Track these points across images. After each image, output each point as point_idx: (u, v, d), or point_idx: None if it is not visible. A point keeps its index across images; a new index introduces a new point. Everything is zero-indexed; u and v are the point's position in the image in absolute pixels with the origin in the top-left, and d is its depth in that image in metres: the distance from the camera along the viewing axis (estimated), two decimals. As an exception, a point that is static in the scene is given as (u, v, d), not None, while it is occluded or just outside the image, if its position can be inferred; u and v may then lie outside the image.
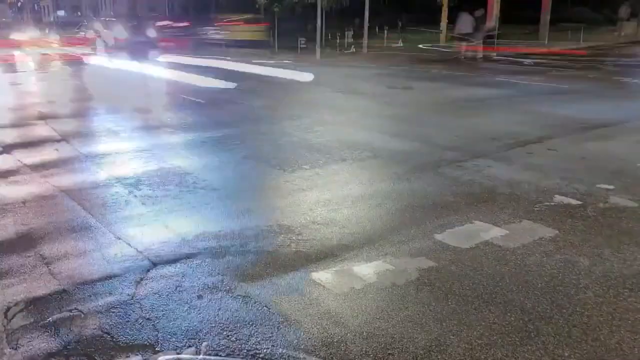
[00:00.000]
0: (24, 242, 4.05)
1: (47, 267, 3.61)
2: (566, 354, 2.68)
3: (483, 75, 15.50)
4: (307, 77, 14.62)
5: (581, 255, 3.79)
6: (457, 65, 18.36)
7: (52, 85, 14.37)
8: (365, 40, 24.40)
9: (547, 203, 4.84)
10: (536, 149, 6.83)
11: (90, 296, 3.23)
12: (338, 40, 26.05)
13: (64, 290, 3.30)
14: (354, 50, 24.93)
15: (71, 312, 3.06)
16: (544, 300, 3.19)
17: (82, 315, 3.02)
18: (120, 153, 6.77)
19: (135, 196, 5.05)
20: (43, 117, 9.23)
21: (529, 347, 2.74)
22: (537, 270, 3.56)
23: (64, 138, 7.61)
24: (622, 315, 3.03)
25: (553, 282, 3.40)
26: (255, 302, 3.17)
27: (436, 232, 4.19)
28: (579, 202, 4.85)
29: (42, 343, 2.78)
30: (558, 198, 4.97)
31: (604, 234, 4.15)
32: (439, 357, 2.67)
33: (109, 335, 2.84)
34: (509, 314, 3.04)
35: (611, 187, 5.27)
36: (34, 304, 3.15)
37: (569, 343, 2.77)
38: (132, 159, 6.45)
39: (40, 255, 3.81)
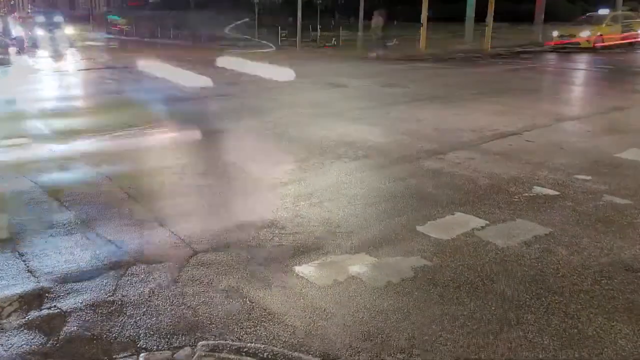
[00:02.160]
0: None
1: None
2: (545, 342, 2.73)
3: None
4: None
5: (560, 244, 3.86)
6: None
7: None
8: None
9: (526, 194, 4.91)
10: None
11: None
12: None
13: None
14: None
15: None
16: (524, 289, 3.24)
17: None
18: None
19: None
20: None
21: (510, 335, 2.78)
22: (517, 259, 3.61)
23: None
24: (600, 302, 3.09)
25: (532, 271, 3.46)
26: (238, 297, 3.16)
27: (418, 224, 4.22)
28: (557, 193, 4.93)
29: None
30: (537, 189, 5.04)
31: (582, 223, 4.23)
32: (422, 346, 2.69)
33: (89, 332, 2.82)
34: (489, 303, 3.08)
35: (588, 177, 5.37)
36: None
37: (548, 331, 2.82)
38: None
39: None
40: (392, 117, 8.61)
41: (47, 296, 3.17)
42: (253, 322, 2.90)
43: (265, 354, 2.64)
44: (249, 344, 2.71)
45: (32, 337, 2.78)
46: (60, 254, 3.72)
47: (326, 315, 2.97)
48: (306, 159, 6.11)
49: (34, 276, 3.41)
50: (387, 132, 7.48)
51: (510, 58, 18.76)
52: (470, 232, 4.06)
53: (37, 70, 15.84)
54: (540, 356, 2.62)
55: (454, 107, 9.42)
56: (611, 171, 5.59)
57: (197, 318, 2.94)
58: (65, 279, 3.37)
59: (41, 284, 3.30)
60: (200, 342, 2.72)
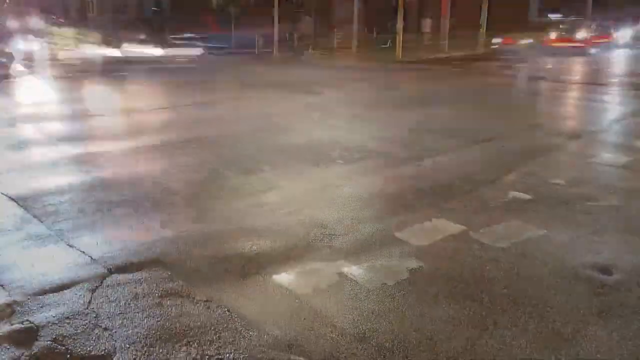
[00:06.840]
0: None
1: None
2: (523, 345, 2.76)
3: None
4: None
5: (535, 248, 3.91)
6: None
7: None
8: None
9: (502, 199, 4.97)
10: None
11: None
12: None
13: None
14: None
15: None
16: (501, 293, 3.27)
17: (35, 327, 2.90)
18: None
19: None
20: None
21: (488, 339, 2.80)
22: (494, 264, 3.65)
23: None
24: (576, 305, 3.14)
25: (509, 275, 3.50)
26: (217, 307, 3.12)
27: (396, 230, 4.23)
28: (531, 197, 5.00)
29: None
30: (512, 194, 5.11)
31: (556, 227, 4.30)
32: (401, 351, 2.70)
33: (63, 346, 2.75)
34: (467, 307, 3.10)
35: (562, 182, 5.47)
36: None
37: (526, 334, 2.85)
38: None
39: None
40: (368, 122, 8.65)
41: (18, 310, 3.09)
42: (232, 332, 2.87)
43: (244, 364, 2.61)
44: (228, 354, 2.68)
45: (3, 352, 2.69)
46: (33, 266, 3.63)
47: (305, 323, 2.95)
48: (284, 166, 6.10)
49: (5, 290, 3.32)
50: (363, 137, 7.51)
51: (506, 60, 19.03)
52: (447, 238, 4.09)
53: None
54: (518, 359, 2.64)
55: (433, 112, 9.51)
56: (584, 176, 5.70)
57: (175, 329, 2.90)
58: (37, 292, 3.28)
59: (12, 298, 3.22)
60: (180, 353, 2.68)
